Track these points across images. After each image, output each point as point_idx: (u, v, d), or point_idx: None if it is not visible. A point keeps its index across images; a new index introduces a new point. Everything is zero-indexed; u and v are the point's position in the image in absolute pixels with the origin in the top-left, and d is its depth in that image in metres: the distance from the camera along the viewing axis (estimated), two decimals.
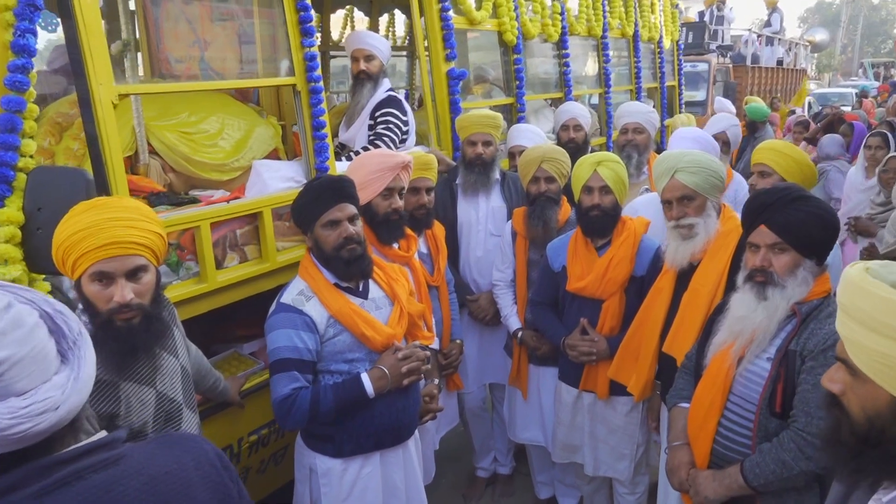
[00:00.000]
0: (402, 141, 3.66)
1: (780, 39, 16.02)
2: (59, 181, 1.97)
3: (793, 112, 12.69)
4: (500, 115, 3.64)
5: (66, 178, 1.97)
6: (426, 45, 3.99)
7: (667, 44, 6.96)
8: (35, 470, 1.00)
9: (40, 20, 1.98)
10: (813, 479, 1.93)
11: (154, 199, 2.81)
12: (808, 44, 20.46)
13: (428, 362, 2.48)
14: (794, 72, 16.65)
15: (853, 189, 5.43)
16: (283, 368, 2.26)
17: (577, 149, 3.96)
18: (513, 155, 3.89)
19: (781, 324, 1.99)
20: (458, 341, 3.28)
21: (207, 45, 3.68)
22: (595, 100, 6.11)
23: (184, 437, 1.23)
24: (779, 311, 1.96)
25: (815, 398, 1.87)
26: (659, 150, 4.56)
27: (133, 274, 1.79)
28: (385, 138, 3.52)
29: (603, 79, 5.76)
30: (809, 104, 17.01)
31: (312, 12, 3.04)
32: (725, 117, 4.56)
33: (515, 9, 4.52)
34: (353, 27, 6.27)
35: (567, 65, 5.17)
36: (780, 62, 15.49)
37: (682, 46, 7.85)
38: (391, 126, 3.56)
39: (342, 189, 2.35)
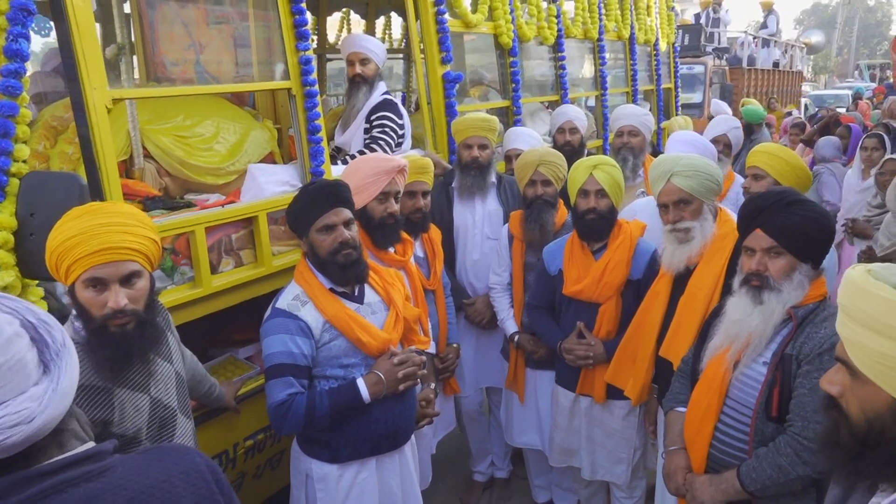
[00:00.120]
0: (398, 144, 3.65)
1: (776, 41, 16.06)
2: (52, 186, 1.96)
3: (789, 114, 12.71)
4: (496, 118, 3.64)
5: (60, 183, 1.96)
6: (422, 48, 3.99)
7: (663, 46, 6.97)
8: (13, 482, 0.98)
9: (33, 24, 1.97)
10: (810, 484, 1.92)
11: (149, 204, 2.80)
12: (804, 46, 20.52)
13: (424, 367, 2.47)
14: (790, 74, 16.70)
15: (850, 191, 5.44)
16: (279, 374, 2.25)
17: (573, 152, 3.96)
18: (509, 158, 3.88)
19: (777, 328, 1.98)
20: (454, 345, 3.27)
21: (203, 48, 3.68)
22: (592, 102, 6.11)
23: (174, 450, 1.21)
24: (775, 315, 1.96)
25: (811, 402, 1.87)
26: (655, 153, 4.56)
27: (127, 279, 1.78)
28: (381, 142, 3.51)
29: (599, 81, 5.76)
30: (806, 106, 17.06)
31: (308, 15, 3.03)
32: (726, 119, 4.55)
33: (511, 11, 4.52)
34: (349, 30, 6.27)
35: (563, 67, 5.17)
36: (776, 64, 15.53)
37: (679, 49, 7.86)
38: (387, 130, 3.55)
39: (337, 193, 2.35)
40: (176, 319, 2.31)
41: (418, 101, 4.71)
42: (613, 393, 2.92)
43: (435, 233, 3.25)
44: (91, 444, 1.10)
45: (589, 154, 4.18)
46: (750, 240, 2.02)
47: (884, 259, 3.95)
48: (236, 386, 2.74)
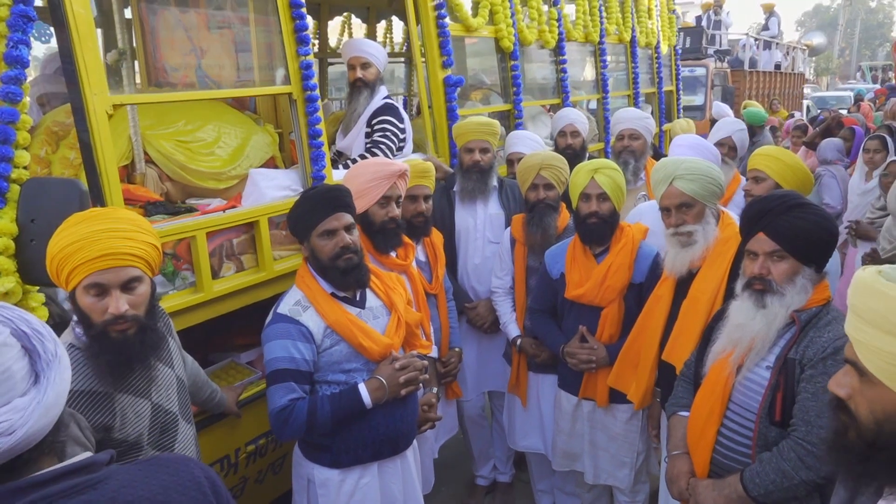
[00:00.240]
0: (399, 148, 3.65)
1: (777, 43, 16.06)
2: (52, 192, 1.96)
3: (791, 116, 12.70)
4: (497, 122, 3.63)
5: (60, 189, 1.96)
6: (423, 52, 3.99)
7: (664, 49, 6.96)
8: (1, 494, 0.97)
9: (33, 31, 1.97)
10: (813, 489, 1.91)
11: (151, 209, 2.80)
12: (805, 47, 20.53)
13: (426, 371, 2.47)
14: (792, 76, 16.69)
15: (853, 193, 5.44)
16: (280, 379, 2.24)
17: (574, 155, 3.96)
18: (511, 162, 3.88)
19: (780, 332, 1.97)
20: (456, 349, 3.26)
21: (204, 53, 3.69)
22: (593, 105, 6.11)
23: (172, 460, 1.20)
24: (778, 319, 1.95)
25: (814, 407, 1.86)
26: (657, 156, 4.55)
27: (128, 285, 1.78)
28: (382, 146, 3.51)
29: (600, 84, 5.76)
30: (808, 108, 17.04)
31: (308, 20, 3.03)
32: (730, 122, 4.52)
33: (512, 15, 4.51)
34: (350, 34, 6.28)
35: (564, 71, 5.17)
36: (777, 66, 15.53)
37: (680, 51, 7.86)
38: (388, 134, 3.55)
39: (338, 198, 2.35)
40: (177, 324, 2.31)
41: (419, 106, 4.71)
42: (616, 397, 2.91)
43: (437, 237, 3.25)
44: (86, 455, 1.09)
45: (590, 157, 4.18)
46: (752, 243, 2.02)
47: (887, 261, 3.94)
48: (238, 391, 2.74)
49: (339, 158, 3.78)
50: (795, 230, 1.94)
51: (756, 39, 14.85)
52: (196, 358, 2.44)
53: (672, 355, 2.56)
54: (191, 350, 2.37)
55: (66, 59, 2.11)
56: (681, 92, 7.52)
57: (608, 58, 5.83)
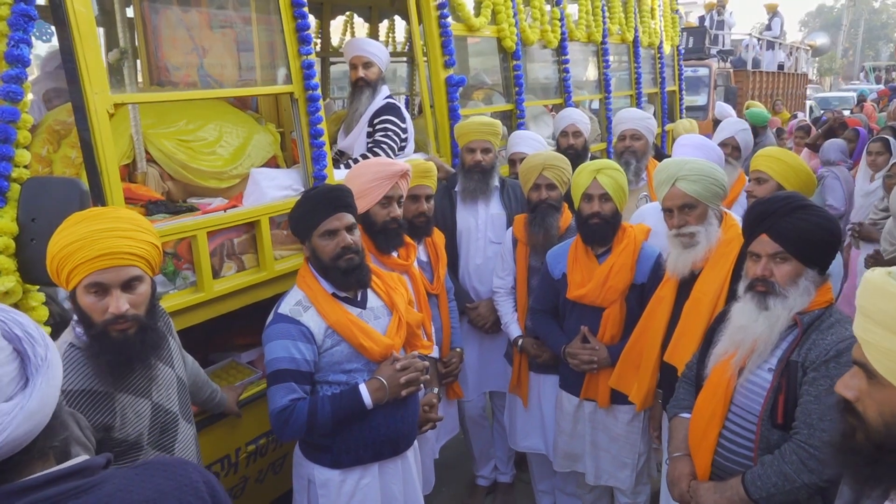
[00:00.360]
0: (401, 148, 3.64)
1: (780, 44, 16.02)
2: (53, 191, 1.96)
3: (794, 117, 12.67)
4: (499, 122, 3.63)
5: (61, 189, 1.96)
6: (425, 51, 3.98)
7: (667, 49, 6.95)
8: None
9: (34, 30, 1.97)
10: (815, 492, 1.90)
11: (152, 208, 2.79)
12: (808, 48, 20.48)
13: (427, 372, 2.46)
14: (795, 76, 16.65)
15: (858, 194, 5.43)
16: (281, 379, 2.24)
17: (576, 155, 3.95)
18: (513, 162, 3.87)
19: (783, 334, 1.97)
20: (458, 350, 3.26)
21: (206, 52, 3.68)
22: (596, 105, 6.10)
23: (171, 464, 1.18)
24: (780, 322, 1.94)
25: (817, 410, 1.85)
26: (659, 155, 4.54)
27: (128, 285, 1.78)
28: (384, 146, 3.51)
29: (603, 84, 5.75)
30: (811, 109, 17.01)
31: (310, 20, 3.03)
32: (734, 122, 4.51)
33: (514, 15, 4.51)
34: (352, 33, 6.27)
35: (567, 70, 5.16)
36: (780, 66, 15.49)
37: (683, 51, 7.85)
38: (390, 133, 3.54)
39: (340, 198, 2.34)
40: (178, 324, 2.31)
41: (421, 105, 4.71)
42: (618, 398, 2.91)
43: (438, 237, 3.24)
44: (82, 459, 1.08)
45: (592, 157, 4.17)
46: (755, 245, 2.01)
47: (889, 263, 3.93)
48: (238, 390, 2.74)
49: (341, 158, 3.78)
50: (798, 232, 1.93)
51: (759, 39, 14.81)
52: (197, 357, 2.44)
53: (674, 357, 2.55)
54: (191, 350, 2.37)
55: (67, 58, 2.11)
56: (683, 92, 7.50)
57: (611, 58, 5.82)
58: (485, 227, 3.54)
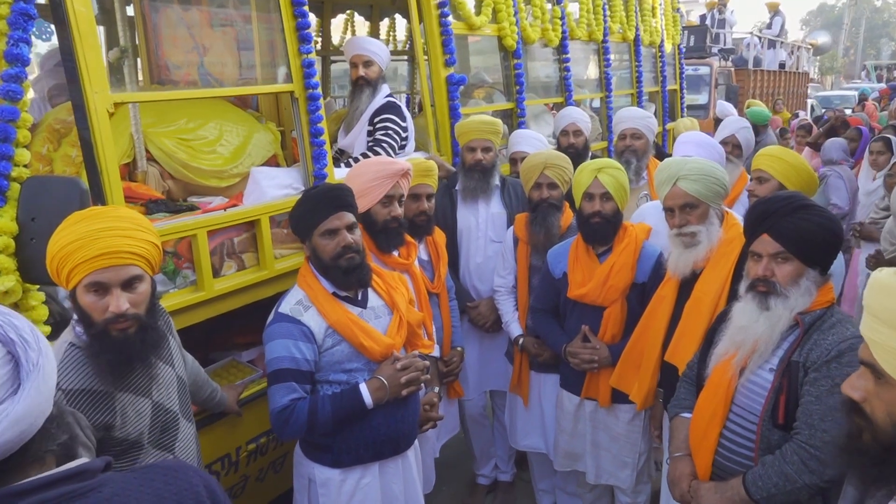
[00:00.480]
0: (402, 147, 3.64)
1: (782, 42, 15.99)
2: (53, 190, 1.96)
3: (796, 115, 12.65)
4: (499, 120, 3.62)
5: (61, 188, 1.96)
6: (425, 50, 3.98)
7: (668, 47, 6.94)
8: None
9: (34, 28, 1.96)
10: (816, 493, 1.89)
11: (152, 207, 2.79)
12: (810, 46, 20.44)
13: (427, 372, 2.46)
14: (796, 75, 16.63)
15: (861, 193, 5.42)
16: (281, 379, 2.24)
17: (576, 154, 3.94)
18: (514, 161, 3.87)
19: (784, 334, 1.96)
20: (458, 349, 3.25)
21: (206, 50, 3.68)
22: (597, 104, 6.09)
23: (171, 468, 1.17)
24: (781, 322, 1.94)
25: (818, 410, 1.85)
26: (660, 154, 4.54)
27: (128, 284, 1.78)
28: (384, 144, 3.50)
29: (604, 83, 5.74)
30: (812, 107, 16.98)
31: (311, 18, 3.02)
32: (735, 120, 4.49)
33: (515, 14, 4.50)
34: (353, 32, 6.26)
35: (567, 69, 5.15)
36: (782, 65, 15.47)
37: (684, 50, 7.83)
38: (390, 132, 3.54)
39: (340, 198, 2.34)
40: (178, 323, 2.31)
41: (421, 103, 4.70)
42: (618, 397, 2.91)
43: (439, 236, 3.24)
44: (81, 462, 1.07)
45: (593, 156, 4.16)
46: (757, 245, 2.00)
47: (890, 262, 3.92)
48: (239, 389, 2.74)
49: (341, 157, 3.78)
50: (800, 232, 1.92)
51: (760, 38, 14.79)
52: (197, 356, 2.44)
53: (675, 356, 2.55)
54: (192, 349, 2.37)
55: (67, 57, 2.10)
56: (684, 91, 7.49)
57: (612, 56, 5.81)
58: (485, 225, 3.54)
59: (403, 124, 3.63)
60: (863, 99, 15.24)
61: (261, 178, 2.93)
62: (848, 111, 11.57)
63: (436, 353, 3.05)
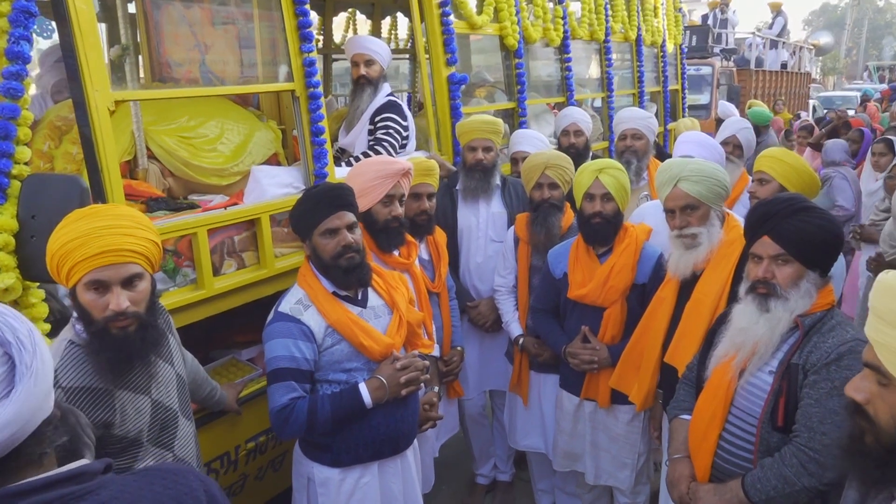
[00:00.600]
0: (403, 146, 3.64)
1: (784, 43, 15.96)
2: (53, 188, 1.96)
3: (797, 117, 12.63)
4: (500, 120, 3.62)
5: (61, 186, 1.96)
6: (427, 49, 3.97)
7: (670, 47, 6.93)
8: None
9: (35, 26, 1.96)
10: (815, 496, 1.89)
11: (153, 205, 2.80)
12: (812, 47, 20.40)
13: (427, 371, 2.46)
14: (798, 75, 16.60)
15: (863, 195, 5.40)
16: (281, 378, 2.24)
17: (577, 154, 3.94)
18: (515, 160, 3.86)
19: (784, 336, 1.96)
20: (458, 348, 3.25)
21: (208, 48, 3.68)
22: (598, 103, 6.09)
23: (170, 471, 1.17)
24: (781, 324, 1.94)
25: (817, 413, 1.85)
26: (661, 154, 4.53)
27: (128, 282, 1.78)
28: (385, 143, 3.50)
29: (605, 83, 5.74)
30: (814, 108, 16.95)
31: (312, 17, 3.02)
32: (736, 121, 4.48)
33: (517, 13, 4.49)
34: (355, 30, 6.26)
35: (569, 69, 5.14)
36: (784, 66, 15.44)
37: (686, 50, 7.82)
38: (391, 131, 3.54)
39: (341, 197, 2.34)
40: (178, 321, 2.31)
41: (421, 103, 4.70)
42: (618, 398, 2.90)
43: (440, 235, 3.24)
44: (78, 464, 1.07)
45: (594, 157, 4.16)
46: (757, 247, 2.00)
47: (891, 265, 3.92)
48: (238, 388, 2.74)
49: (342, 155, 3.77)
50: (800, 234, 1.92)
51: (762, 38, 14.77)
52: (197, 355, 2.44)
53: (674, 358, 2.54)
54: (192, 347, 2.37)
55: (68, 55, 2.10)
56: (686, 91, 7.49)
57: (613, 56, 5.80)
58: (486, 225, 3.54)
59: (404, 123, 3.63)
60: (865, 100, 15.21)
61: (261, 177, 2.93)
62: (851, 112, 11.56)
63: (436, 352, 3.05)
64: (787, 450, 1.90)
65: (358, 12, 6.10)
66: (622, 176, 2.92)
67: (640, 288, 2.89)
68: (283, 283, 2.79)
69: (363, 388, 2.29)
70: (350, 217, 2.34)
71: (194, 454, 2.09)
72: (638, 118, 4.11)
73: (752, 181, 3.26)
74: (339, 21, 6.15)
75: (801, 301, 1.94)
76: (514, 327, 3.33)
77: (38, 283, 2.08)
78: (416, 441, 2.60)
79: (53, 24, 2.15)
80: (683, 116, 6.94)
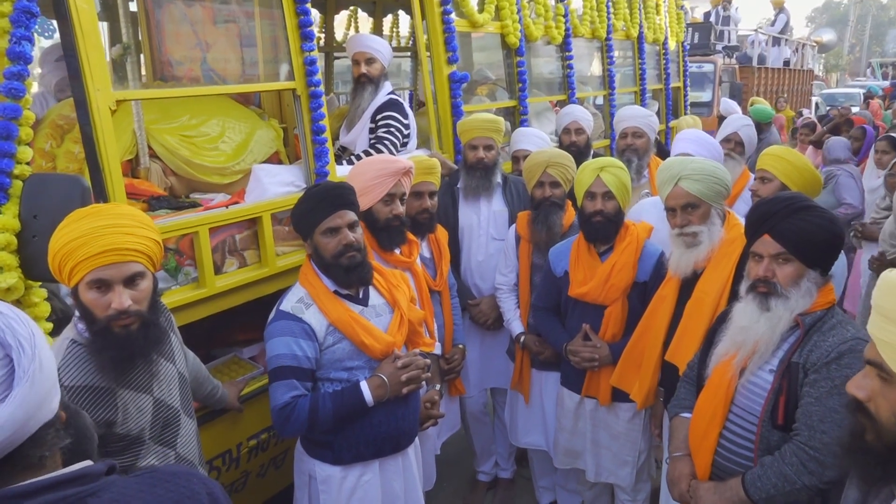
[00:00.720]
0: (404, 144, 3.64)
1: (786, 40, 15.92)
2: (55, 188, 1.96)
3: (800, 114, 12.59)
4: (501, 119, 3.62)
5: (63, 185, 1.96)
6: (428, 47, 3.97)
7: (672, 45, 6.91)
8: None
9: (36, 26, 1.97)
10: (815, 494, 1.90)
11: (154, 203, 2.80)
12: (815, 44, 20.33)
13: (428, 370, 2.46)
14: (801, 72, 16.56)
15: (866, 192, 5.39)
16: (282, 376, 2.25)
17: (578, 152, 3.94)
18: (516, 159, 3.86)
19: (784, 335, 1.96)
20: (460, 346, 3.26)
21: (209, 47, 3.69)
22: (600, 101, 6.09)
23: (173, 474, 1.16)
24: (782, 323, 1.94)
25: (818, 411, 1.85)
26: (662, 152, 4.53)
27: (130, 281, 1.78)
28: (386, 142, 3.50)
29: (607, 81, 5.73)
30: (816, 105, 16.90)
31: (313, 15, 3.02)
32: (738, 118, 4.48)
33: (518, 11, 4.49)
34: (356, 28, 6.26)
35: (571, 67, 5.14)
36: (786, 63, 15.40)
37: (688, 47, 7.80)
38: (392, 130, 3.54)
39: (342, 196, 2.34)
40: (179, 320, 2.32)
41: (422, 101, 4.69)
42: (619, 395, 2.91)
43: (441, 233, 3.24)
44: (83, 465, 1.06)
45: (596, 154, 4.16)
46: (758, 245, 2.00)
47: (893, 263, 3.91)
48: (240, 386, 2.75)
49: (343, 154, 3.78)
50: (801, 233, 1.92)
51: (765, 36, 14.73)
52: (199, 353, 2.45)
53: (675, 356, 2.55)
54: (193, 345, 2.38)
55: (70, 54, 2.11)
56: (688, 88, 7.47)
57: (615, 54, 5.79)
58: (487, 223, 3.54)
59: (405, 122, 3.63)
60: (869, 97, 15.16)
61: (263, 176, 2.94)
62: (855, 109, 11.52)
63: (437, 350, 3.05)
64: (788, 448, 1.90)
65: (359, 10, 6.09)
66: (623, 174, 2.92)
67: (641, 286, 2.89)
68: (285, 281, 2.80)
69: (364, 386, 2.30)
70: (351, 216, 2.34)
71: (196, 452, 2.09)
72: (638, 116, 4.11)
73: (754, 179, 3.26)
74: (341, 19, 6.14)
75: (801, 300, 1.94)
76: (516, 325, 3.33)
77: (40, 283, 2.08)
78: (417, 439, 2.60)
79: (55, 23, 2.15)
80: (685, 114, 6.93)
